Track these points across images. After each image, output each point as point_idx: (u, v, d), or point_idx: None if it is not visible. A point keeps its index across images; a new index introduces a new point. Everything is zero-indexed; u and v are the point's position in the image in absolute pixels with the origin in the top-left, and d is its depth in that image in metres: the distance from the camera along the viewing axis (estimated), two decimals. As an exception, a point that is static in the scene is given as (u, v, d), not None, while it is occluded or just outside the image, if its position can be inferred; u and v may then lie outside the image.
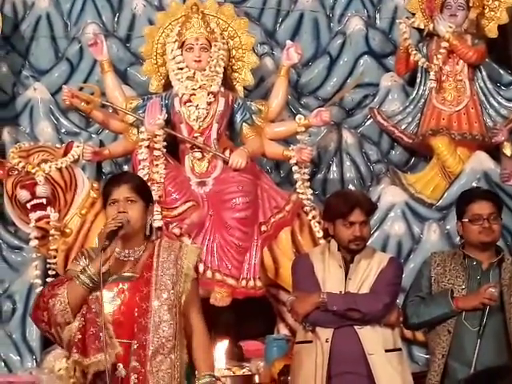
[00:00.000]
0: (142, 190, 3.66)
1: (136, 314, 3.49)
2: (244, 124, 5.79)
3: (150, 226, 3.64)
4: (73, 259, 3.66)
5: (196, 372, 3.59)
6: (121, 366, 3.46)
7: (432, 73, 6.14)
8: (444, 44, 6.14)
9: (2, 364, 5.52)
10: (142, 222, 3.60)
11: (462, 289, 4.43)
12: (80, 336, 3.45)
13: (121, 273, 3.57)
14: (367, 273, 4.34)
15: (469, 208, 4.47)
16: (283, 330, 5.57)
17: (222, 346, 5.43)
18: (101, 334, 3.40)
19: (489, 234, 4.43)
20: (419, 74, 6.29)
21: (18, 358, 5.53)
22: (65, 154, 5.55)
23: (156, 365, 3.45)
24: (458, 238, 4.85)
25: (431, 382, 4.40)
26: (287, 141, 5.93)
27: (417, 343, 5.52)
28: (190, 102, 5.69)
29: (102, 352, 3.39)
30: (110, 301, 3.51)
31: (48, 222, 5.43)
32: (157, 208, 5.27)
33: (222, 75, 5.74)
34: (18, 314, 5.59)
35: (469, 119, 6.15)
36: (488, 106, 6.23)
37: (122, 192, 3.59)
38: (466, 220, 4.47)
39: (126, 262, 3.59)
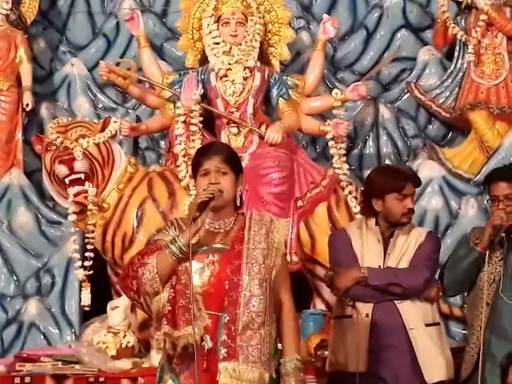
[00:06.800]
0: (233, 161, 3.58)
1: (227, 287, 3.43)
2: (280, 99, 5.77)
3: (240, 197, 3.58)
4: (162, 228, 3.61)
5: (283, 354, 3.52)
6: (208, 337, 3.41)
7: (470, 46, 6.08)
8: (483, 17, 6.08)
9: (42, 337, 5.56)
10: (233, 194, 3.54)
11: (500, 266, 4.38)
12: (170, 308, 3.40)
13: (211, 244, 3.51)
14: (406, 247, 4.31)
15: (489, 189, 4.44)
16: (319, 305, 5.57)
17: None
18: (190, 307, 3.36)
19: (507, 218, 4.32)
20: (457, 48, 6.23)
21: (57, 331, 5.57)
22: (102, 130, 5.57)
23: (246, 339, 3.38)
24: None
25: (470, 354, 4.37)
26: (323, 116, 5.91)
27: (454, 318, 5.51)
28: (226, 76, 5.68)
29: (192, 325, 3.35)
30: (199, 272, 3.45)
31: (86, 197, 5.45)
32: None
33: (258, 50, 5.72)
34: (57, 287, 5.63)
35: (507, 93, 6.09)
36: (527, 80, 6.17)
37: (213, 163, 3.51)
38: (489, 200, 4.46)
39: (217, 233, 3.54)
